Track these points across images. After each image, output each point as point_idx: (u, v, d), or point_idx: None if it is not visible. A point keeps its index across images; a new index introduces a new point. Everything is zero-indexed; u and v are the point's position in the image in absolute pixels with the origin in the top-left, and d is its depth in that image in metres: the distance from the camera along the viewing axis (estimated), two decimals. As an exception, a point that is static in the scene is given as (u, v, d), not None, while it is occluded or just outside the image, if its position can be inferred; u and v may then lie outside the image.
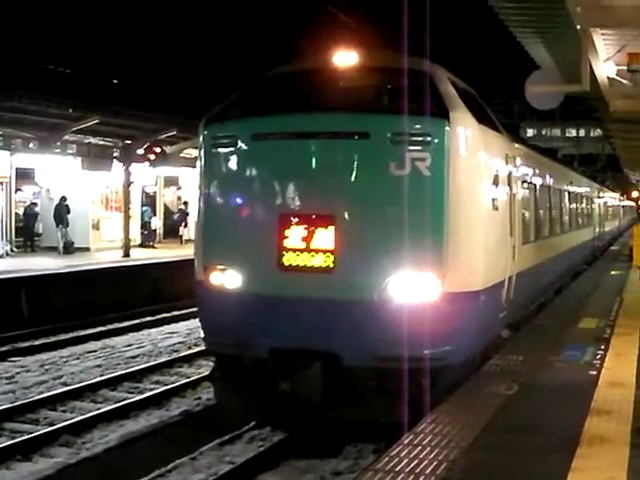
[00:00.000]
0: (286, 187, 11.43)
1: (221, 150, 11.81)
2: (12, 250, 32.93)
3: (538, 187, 17.92)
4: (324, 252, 11.07)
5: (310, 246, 11.12)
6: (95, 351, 20.99)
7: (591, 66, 14.59)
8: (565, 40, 16.04)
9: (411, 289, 10.82)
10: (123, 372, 18.17)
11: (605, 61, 14.84)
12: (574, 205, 26.66)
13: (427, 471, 7.60)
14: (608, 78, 15.71)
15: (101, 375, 17.98)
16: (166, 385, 17.09)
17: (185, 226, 42.06)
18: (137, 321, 25.67)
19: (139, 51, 51.54)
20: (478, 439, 8.65)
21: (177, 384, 17.00)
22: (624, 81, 15.03)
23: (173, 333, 23.87)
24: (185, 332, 23.74)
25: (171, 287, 28.57)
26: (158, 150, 33.93)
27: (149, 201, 42.35)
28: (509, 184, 13.62)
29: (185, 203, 43.51)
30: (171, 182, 45.14)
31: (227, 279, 11.65)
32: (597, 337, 14.72)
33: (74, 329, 23.76)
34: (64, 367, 18.99)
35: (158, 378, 18.07)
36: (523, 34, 17.27)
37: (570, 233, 24.70)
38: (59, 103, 29.74)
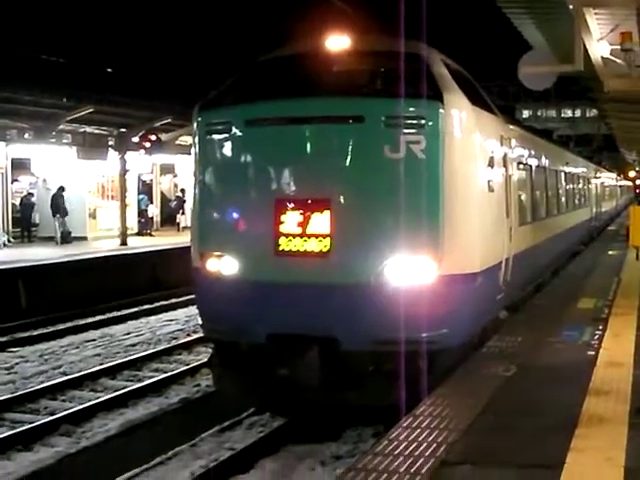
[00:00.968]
0: (281, 172, 11.41)
1: (215, 136, 11.77)
2: (9, 241, 32.94)
3: (534, 168, 17.90)
4: (320, 237, 11.05)
5: (306, 231, 11.10)
6: (94, 340, 21.00)
7: (584, 46, 14.55)
8: (558, 20, 16.01)
9: (408, 272, 10.81)
10: (122, 360, 18.18)
11: (598, 41, 14.80)
12: (570, 186, 26.64)
13: (426, 453, 7.62)
14: (602, 58, 15.67)
15: (100, 364, 18.00)
16: (165, 373, 17.12)
17: (182, 214, 42.00)
18: (136, 309, 25.69)
19: (133, 39, 51.39)
20: (477, 421, 8.67)
21: (176, 371, 17.04)
22: (618, 60, 14.99)
23: (172, 320, 23.89)
24: (184, 319, 23.77)
25: (169, 275, 28.55)
26: (153, 138, 33.86)
27: (145, 189, 42.29)
28: (504, 166, 13.60)
29: (182, 190, 43.43)
30: (167, 170, 45.06)
31: (224, 265, 11.63)
32: (595, 317, 14.73)
33: (73, 318, 23.76)
34: (63, 357, 19.02)
35: (157, 366, 18.10)
36: (516, 15, 17.23)
37: (567, 214, 24.71)
38: (53, 93, 29.67)
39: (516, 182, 14.81)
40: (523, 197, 16.12)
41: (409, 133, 10.80)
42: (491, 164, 12.54)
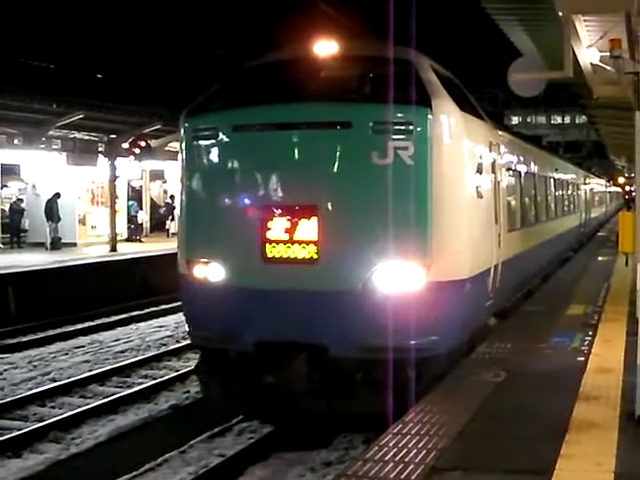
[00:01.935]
0: (268, 178, 11.35)
1: (202, 142, 11.71)
2: (-2, 246, 32.85)
3: (523, 174, 17.91)
4: (308, 243, 11.01)
5: (293, 237, 11.05)
6: (83, 346, 20.93)
7: (574, 53, 14.56)
8: (547, 27, 16.03)
9: (396, 279, 10.76)
10: (112, 367, 18.12)
11: (588, 47, 14.80)
12: (560, 192, 26.68)
13: (416, 460, 7.63)
14: (591, 64, 15.68)
15: (90, 370, 17.93)
16: (155, 379, 17.07)
17: (172, 220, 41.90)
18: (125, 315, 25.60)
19: (122, 45, 51.38)
20: (467, 427, 8.68)
21: (166, 378, 16.99)
22: (607, 67, 14.99)
23: (161, 327, 23.84)
24: (173, 325, 23.69)
25: (159, 281, 28.47)
26: (143, 144, 33.84)
27: (135, 195, 42.21)
28: (493, 172, 13.57)
29: (171, 197, 43.35)
30: (157, 176, 45.00)
31: (210, 272, 11.59)
32: (585, 323, 14.78)
33: (62, 325, 23.68)
34: (52, 363, 18.94)
35: (147, 372, 18.05)
36: (505, 22, 17.25)
37: (556, 220, 24.72)
38: (43, 98, 29.60)
39: (505, 188, 14.79)
40: (512, 203, 16.10)
41: (397, 139, 10.75)
42: (480, 170, 12.50)
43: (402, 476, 7.26)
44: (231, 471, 11.49)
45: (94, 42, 51.93)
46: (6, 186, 39.36)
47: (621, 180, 76.43)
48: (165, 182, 46.15)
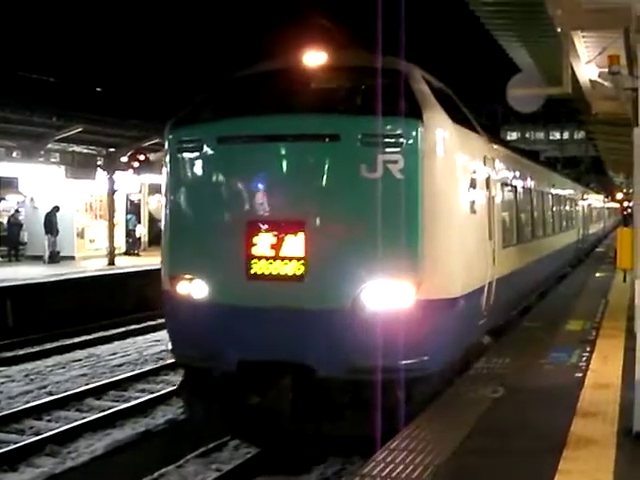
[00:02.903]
0: (254, 192, 10.94)
1: (186, 155, 11.32)
2: (-4, 260, 32.84)
3: (519, 189, 17.67)
4: (294, 260, 10.64)
5: (279, 254, 10.68)
6: (80, 360, 20.90)
7: (572, 68, 14.61)
8: (546, 43, 16.07)
9: (385, 297, 10.38)
10: (108, 381, 18.09)
11: (587, 63, 14.84)
12: (557, 207, 26.51)
13: (413, 476, 7.60)
14: (590, 80, 15.73)
15: (86, 384, 17.89)
16: (152, 393, 17.03)
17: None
18: (123, 329, 25.60)
19: (122, 59, 51.49)
20: (464, 443, 8.65)
21: (163, 392, 16.92)
22: (606, 83, 15.04)
23: (158, 341, 23.73)
24: (171, 340, 23.62)
25: (156, 295, 28.35)
26: (142, 158, 33.86)
27: (133, 209, 42.20)
28: (487, 186, 13.29)
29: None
30: (155, 190, 44.91)
31: (194, 289, 11.21)
32: (583, 339, 14.76)
33: (59, 338, 23.67)
34: (49, 376, 18.91)
35: (144, 386, 18.01)
36: (504, 37, 17.27)
37: (553, 236, 24.54)
38: (42, 112, 29.61)
39: (500, 203, 14.51)
40: (507, 219, 15.78)
41: (387, 152, 10.35)
42: (473, 185, 12.20)
43: (399, 492, 7.23)
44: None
45: (94, 56, 52.06)
46: (4, 199, 39.36)
47: (619, 196, 76.47)
48: (164, 196, 46.07)
